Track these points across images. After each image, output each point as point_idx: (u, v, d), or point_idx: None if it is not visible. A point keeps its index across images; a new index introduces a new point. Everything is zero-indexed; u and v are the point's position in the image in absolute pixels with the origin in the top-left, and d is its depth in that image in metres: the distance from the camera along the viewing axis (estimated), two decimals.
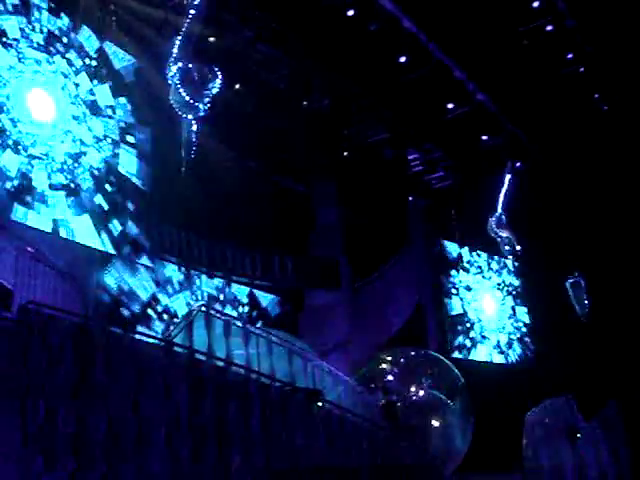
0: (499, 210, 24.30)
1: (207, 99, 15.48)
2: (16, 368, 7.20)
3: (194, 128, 16.34)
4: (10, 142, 13.61)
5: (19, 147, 13.75)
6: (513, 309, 28.10)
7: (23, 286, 10.88)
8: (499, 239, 24.19)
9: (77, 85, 15.45)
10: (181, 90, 15.25)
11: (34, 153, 14.04)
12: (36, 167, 13.99)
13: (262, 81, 20.23)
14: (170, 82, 15.44)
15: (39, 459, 6.95)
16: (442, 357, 19.86)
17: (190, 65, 15.36)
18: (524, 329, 28.12)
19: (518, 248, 24.90)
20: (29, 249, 11.46)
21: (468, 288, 26.24)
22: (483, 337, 26.03)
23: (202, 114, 15.78)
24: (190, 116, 15.74)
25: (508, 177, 24.44)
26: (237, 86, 19.89)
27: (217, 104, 18.67)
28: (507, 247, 24.27)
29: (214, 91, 15.55)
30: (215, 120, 18.78)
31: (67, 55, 15.31)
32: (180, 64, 15.29)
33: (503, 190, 24.31)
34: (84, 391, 7.40)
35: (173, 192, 17.91)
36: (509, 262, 28.29)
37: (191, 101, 15.40)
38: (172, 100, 15.51)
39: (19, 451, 6.98)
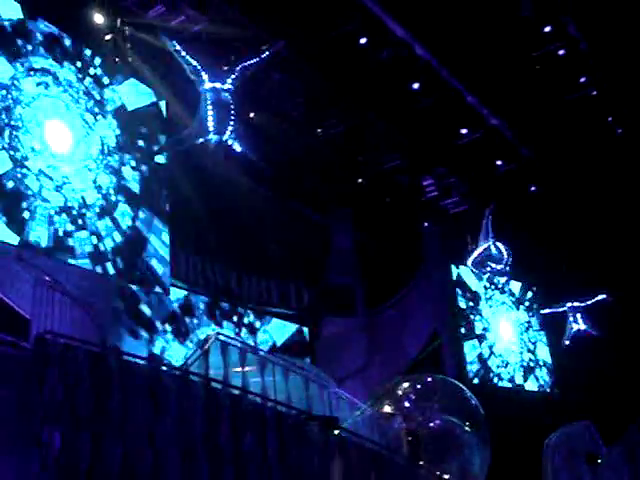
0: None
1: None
2: (32, 398, 7.23)
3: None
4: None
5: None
6: (531, 334, 27.91)
7: (40, 315, 10.92)
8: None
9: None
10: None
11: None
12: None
13: (277, 109, 20.37)
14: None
15: None
16: (459, 384, 19.72)
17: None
18: (543, 354, 27.92)
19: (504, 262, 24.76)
20: (47, 278, 11.51)
21: (485, 314, 26.10)
22: (501, 363, 25.85)
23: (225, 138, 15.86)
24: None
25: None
26: (252, 114, 20.03)
27: (232, 133, 18.92)
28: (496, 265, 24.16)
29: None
30: (231, 148, 18.96)
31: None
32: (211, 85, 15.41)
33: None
34: (100, 422, 7.41)
35: (189, 220, 18.01)
36: (525, 286, 28.18)
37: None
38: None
39: (36, 478, 6.99)
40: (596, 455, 19.24)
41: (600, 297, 24.31)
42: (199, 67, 16.19)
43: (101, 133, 15.57)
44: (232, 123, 16.59)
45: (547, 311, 25.32)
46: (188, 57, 16.19)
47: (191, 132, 16.31)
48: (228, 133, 16.32)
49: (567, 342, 25.53)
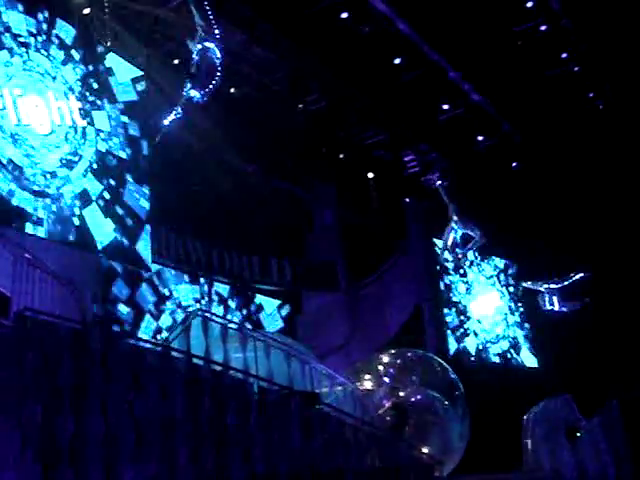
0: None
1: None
2: (13, 374, 7.21)
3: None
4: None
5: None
6: (512, 309, 28.08)
7: (20, 292, 10.87)
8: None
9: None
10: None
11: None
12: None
13: (258, 84, 20.26)
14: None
15: (37, 466, 6.97)
16: (440, 359, 19.85)
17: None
18: (523, 329, 28.11)
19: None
20: (27, 255, 11.45)
21: (467, 289, 26.23)
22: (482, 338, 26.02)
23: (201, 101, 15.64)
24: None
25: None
26: (233, 90, 19.92)
27: (214, 107, 18.80)
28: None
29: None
30: (212, 123, 18.89)
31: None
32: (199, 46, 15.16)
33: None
34: (81, 397, 7.41)
35: (170, 195, 17.94)
36: (506, 263, 28.31)
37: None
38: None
39: (17, 458, 6.99)
40: (576, 429, 19.44)
41: (578, 276, 24.39)
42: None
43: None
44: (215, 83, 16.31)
45: (528, 284, 25.35)
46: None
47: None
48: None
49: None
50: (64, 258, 13.68)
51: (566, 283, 24.52)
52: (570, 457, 19.20)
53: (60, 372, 7.38)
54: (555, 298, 24.59)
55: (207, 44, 14.95)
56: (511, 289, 28.45)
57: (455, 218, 22.79)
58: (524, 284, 25.62)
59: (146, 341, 9.82)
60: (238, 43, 18.73)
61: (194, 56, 14.97)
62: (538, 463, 19.33)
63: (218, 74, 15.35)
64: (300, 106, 21.33)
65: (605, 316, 25.41)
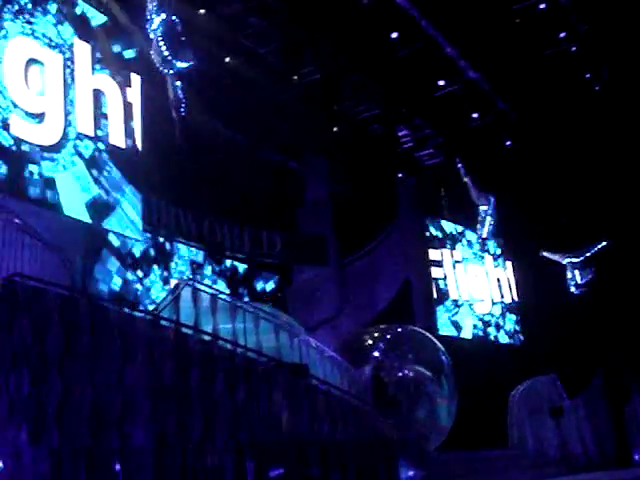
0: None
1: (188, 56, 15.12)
2: (1, 339, 7.19)
3: (178, 84, 16.14)
4: None
5: None
6: (501, 287, 28.17)
7: (10, 258, 10.82)
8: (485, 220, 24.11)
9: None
10: (161, 45, 14.93)
11: None
12: None
13: (253, 54, 20.10)
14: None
15: (24, 430, 6.97)
16: (428, 334, 19.92)
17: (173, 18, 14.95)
18: (512, 307, 28.23)
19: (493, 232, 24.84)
20: (16, 221, 11.39)
21: (456, 266, 26.28)
22: (470, 314, 26.12)
23: (183, 69, 15.47)
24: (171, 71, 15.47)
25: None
26: (227, 59, 19.78)
27: (207, 77, 18.64)
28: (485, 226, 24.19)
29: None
30: (205, 93, 18.71)
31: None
32: (163, 16, 14.93)
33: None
34: (70, 362, 7.40)
35: (162, 165, 17.79)
36: (497, 242, 28.35)
37: (170, 57, 15.09)
38: (153, 55, 15.24)
39: (4, 421, 6.99)
40: (560, 408, 19.63)
41: (599, 245, 24.40)
42: None
43: None
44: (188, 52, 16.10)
45: (549, 255, 25.30)
46: None
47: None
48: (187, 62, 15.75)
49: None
50: (55, 224, 13.58)
51: (588, 255, 24.55)
52: (553, 436, 19.41)
53: (48, 338, 7.36)
54: (577, 272, 24.64)
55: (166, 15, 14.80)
56: (498, 265, 28.53)
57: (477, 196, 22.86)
58: (545, 253, 25.51)
59: (135, 309, 9.79)
60: (234, 12, 18.58)
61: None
62: (522, 441, 19.53)
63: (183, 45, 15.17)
64: (295, 78, 21.18)
65: (595, 297, 25.50)
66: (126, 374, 7.85)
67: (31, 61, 14.05)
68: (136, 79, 16.47)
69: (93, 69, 15.51)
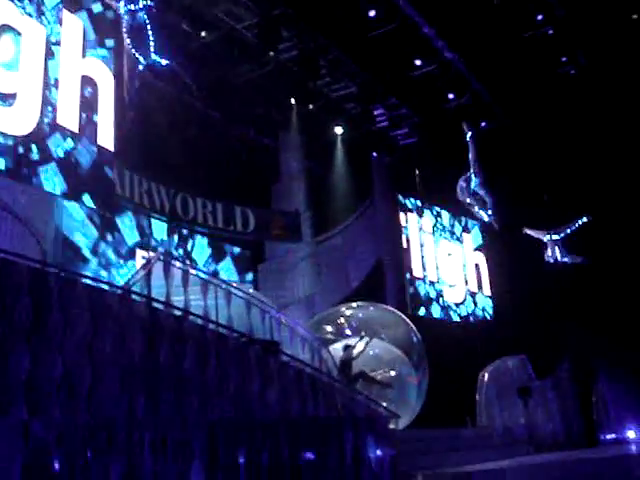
0: (471, 171, 24.29)
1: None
2: None
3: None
4: None
5: None
6: (472, 268, 28.31)
7: None
8: (468, 199, 24.10)
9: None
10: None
11: None
12: None
13: (230, 30, 19.95)
14: None
15: None
16: (400, 313, 20.02)
17: None
18: (483, 288, 28.39)
19: (489, 212, 24.90)
20: None
21: (429, 246, 26.35)
22: (441, 295, 26.24)
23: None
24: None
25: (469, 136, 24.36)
26: (203, 34, 19.63)
27: (183, 52, 18.51)
28: (477, 207, 24.18)
29: None
30: (180, 68, 18.58)
31: None
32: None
33: (471, 152, 24.29)
34: (39, 335, 7.33)
35: (136, 139, 17.63)
36: (471, 222, 28.44)
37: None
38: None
39: None
40: (528, 388, 19.83)
41: (580, 222, 24.46)
42: None
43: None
44: (152, 43, 16.04)
45: (531, 232, 25.33)
46: None
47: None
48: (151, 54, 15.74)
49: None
50: (24, 196, 13.44)
51: (568, 232, 24.66)
52: (521, 416, 19.61)
53: (17, 310, 7.28)
54: (557, 249, 24.75)
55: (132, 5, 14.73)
56: (473, 247, 28.66)
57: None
58: (527, 231, 25.58)
59: (106, 283, 9.72)
60: None
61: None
62: (490, 420, 19.72)
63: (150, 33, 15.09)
64: (271, 54, 21.05)
65: (566, 280, 25.68)
66: (96, 348, 7.80)
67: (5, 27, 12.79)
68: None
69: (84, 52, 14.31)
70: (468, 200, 23.34)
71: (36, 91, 13.07)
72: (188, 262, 18.12)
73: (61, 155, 13.51)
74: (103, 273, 17.61)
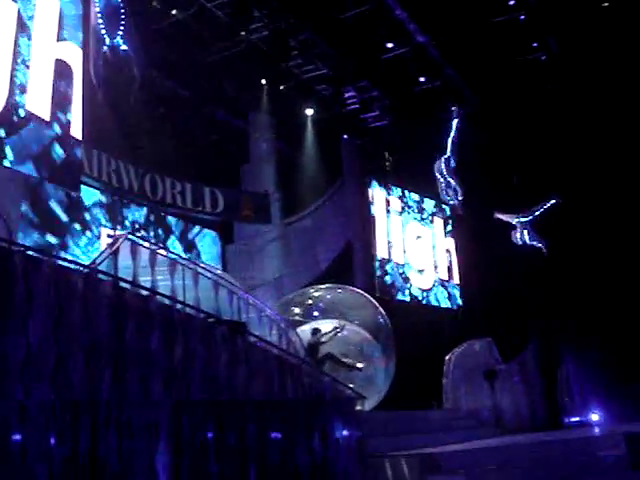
0: (448, 154, 24.39)
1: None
2: None
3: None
4: None
5: None
6: (441, 252, 28.39)
7: None
8: (444, 183, 24.19)
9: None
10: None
11: None
12: None
13: (201, 8, 19.76)
14: None
15: None
16: (368, 295, 20.06)
17: None
18: (450, 272, 28.50)
19: (459, 196, 25.05)
20: None
21: (398, 229, 26.37)
22: (410, 278, 26.30)
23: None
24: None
25: (455, 122, 24.48)
26: (174, 12, 19.44)
27: (153, 30, 18.31)
28: (450, 192, 24.29)
29: None
30: (150, 47, 18.40)
31: None
32: None
33: (451, 135, 24.39)
34: (2, 315, 7.25)
35: (104, 118, 17.44)
36: (441, 205, 28.51)
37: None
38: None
39: None
40: (493, 371, 20.01)
41: (548, 204, 24.65)
42: None
43: None
44: (123, 27, 15.89)
45: (501, 216, 25.50)
46: None
47: None
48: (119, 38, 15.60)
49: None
50: None
51: (537, 214, 24.83)
52: (487, 398, 19.81)
53: None
54: (526, 232, 24.94)
55: None
56: (442, 231, 28.73)
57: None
58: (498, 215, 25.72)
59: (72, 262, 9.61)
60: None
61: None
62: (457, 403, 19.89)
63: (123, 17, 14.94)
64: (242, 34, 20.89)
65: (532, 263, 25.88)
66: (61, 328, 7.72)
67: None
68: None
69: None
70: (442, 181, 23.48)
71: (4, 70, 12.65)
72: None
73: (29, 135, 13.21)
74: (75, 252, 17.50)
